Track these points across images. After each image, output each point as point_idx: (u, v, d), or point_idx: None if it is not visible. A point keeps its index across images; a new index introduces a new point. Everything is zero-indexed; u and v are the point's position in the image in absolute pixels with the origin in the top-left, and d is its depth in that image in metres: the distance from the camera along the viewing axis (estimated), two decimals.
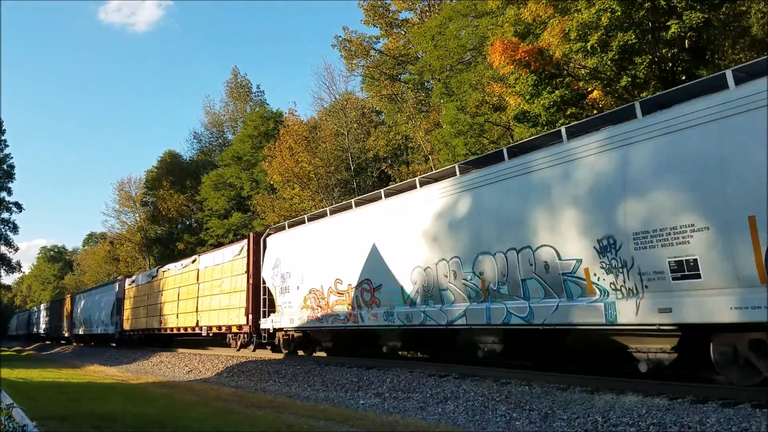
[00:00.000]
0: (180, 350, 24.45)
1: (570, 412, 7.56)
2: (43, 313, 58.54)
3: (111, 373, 20.41)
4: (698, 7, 12.02)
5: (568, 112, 14.04)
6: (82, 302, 41.60)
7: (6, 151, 41.85)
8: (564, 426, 7.25)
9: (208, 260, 22.15)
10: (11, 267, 46.24)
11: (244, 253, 18.78)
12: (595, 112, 14.31)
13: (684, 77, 13.40)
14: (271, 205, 30.70)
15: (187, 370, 18.69)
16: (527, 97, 14.45)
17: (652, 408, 7.10)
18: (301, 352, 17.32)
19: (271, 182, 31.04)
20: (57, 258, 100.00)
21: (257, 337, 18.24)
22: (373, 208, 13.59)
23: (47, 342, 55.11)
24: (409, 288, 11.89)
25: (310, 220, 15.99)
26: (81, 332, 41.46)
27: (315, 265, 15.02)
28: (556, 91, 13.91)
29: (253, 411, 9.57)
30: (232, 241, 27.21)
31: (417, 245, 11.74)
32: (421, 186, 12.18)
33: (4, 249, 44.17)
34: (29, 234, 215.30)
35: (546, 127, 14.45)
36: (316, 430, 7.72)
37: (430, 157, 25.55)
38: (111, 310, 33.64)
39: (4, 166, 41.75)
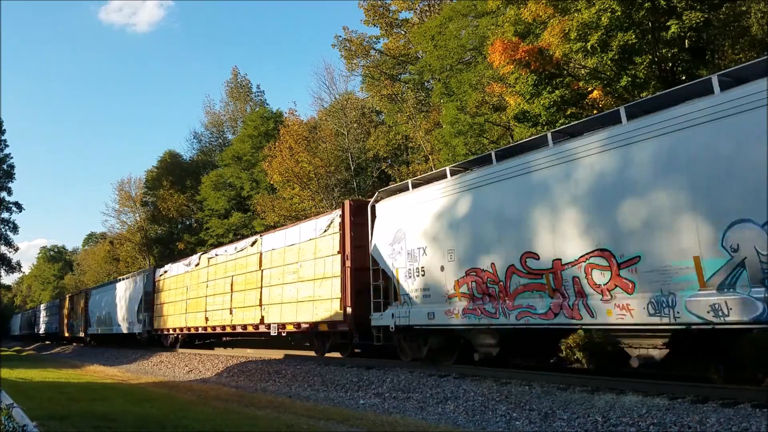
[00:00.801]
0: (180, 350, 24.38)
1: (570, 412, 7.56)
2: (43, 313, 56.56)
3: (111, 373, 20.41)
4: (698, 7, 12.03)
5: (568, 112, 14.04)
6: (98, 298, 37.12)
7: (6, 151, 42.09)
8: (564, 426, 7.25)
9: (276, 241, 17.68)
10: (11, 267, 46.39)
11: (336, 227, 14.68)
12: (595, 112, 14.31)
13: (684, 77, 13.41)
14: (271, 205, 30.71)
15: (187, 370, 18.69)
16: (527, 96, 14.46)
17: (652, 408, 7.10)
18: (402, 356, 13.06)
19: (271, 182, 31.07)
20: (57, 258, 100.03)
21: (360, 336, 14.10)
22: (608, 135, 8.72)
23: (47, 342, 55.02)
24: (720, 260, 7.24)
25: (454, 173, 11.62)
26: (75, 332, 38.86)
27: (477, 236, 10.64)
28: (556, 91, 13.92)
29: (253, 411, 9.57)
30: (303, 217, 23.75)
31: (742, 181, 7.07)
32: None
33: (4, 249, 44.37)
34: (29, 234, 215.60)
35: (546, 127, 14.45)
36: (316, 430, 7.72)
37: (430, 157, 25.55)
38: (138, 306, 28.79)
39: (4, 166, 41.88)
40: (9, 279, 70.02)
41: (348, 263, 14.08)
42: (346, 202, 14.79)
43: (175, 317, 24.90)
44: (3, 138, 41.48)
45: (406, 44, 28.81)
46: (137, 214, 52.76)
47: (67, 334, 44.30)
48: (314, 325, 15.27)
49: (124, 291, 31.92)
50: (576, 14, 13.23)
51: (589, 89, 14.38)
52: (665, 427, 6.56)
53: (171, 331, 25.57)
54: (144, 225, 51.55)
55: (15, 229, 43.58)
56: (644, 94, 13.82)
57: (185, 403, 10.82)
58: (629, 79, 13.17)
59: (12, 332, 78.86)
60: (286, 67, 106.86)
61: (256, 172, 36.11)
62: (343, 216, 14.54)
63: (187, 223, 50.21)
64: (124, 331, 30.98)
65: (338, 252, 14.46)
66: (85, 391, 13.71)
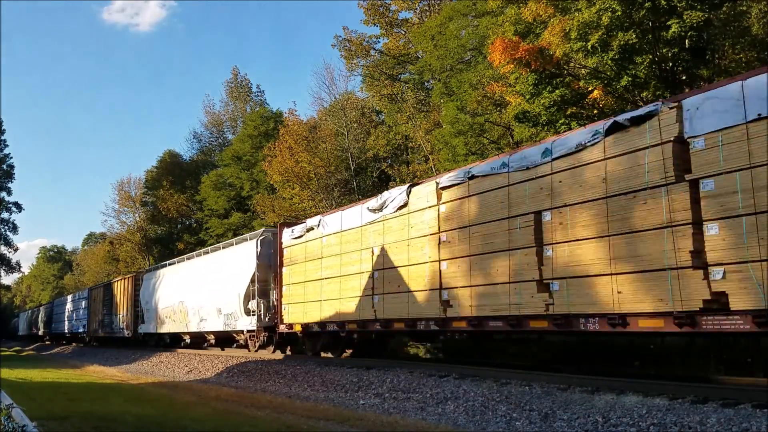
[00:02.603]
0: (179, 350, 24.33)
1: (570, 413, 7.55)
2: (66, 308, 47.97)
3: (111, 374, 20.40)
4: (699, 6, 12.02)
5: (569, 112, 14.04)
6: (155, 284, 27.41)
7: (6, 151, 42.09)
8: (564, 426, 7.23)
9: (714, 116, 7.07)
10: (11, 267, 46.45)
11: None
12: (595, 111, 14.31)
13: (684, 77, 13.40)
14: (271, 205, 30.70)
15: (187, 370, 18.67)
16: (527, 96, 14.45)
17: (652, 408, 7.08)
18: None
19: (271, 182, 31.05)
20: (56, 258, 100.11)
21: None
22: None
23: (47, 342, 54.81)
24: None
25: None
26: (115, 332, 31.65)
27: None
28: (557, 91, 13.90)
29: (253, 411, 9.56)
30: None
31: None
32: None
33: (3, 249, 44.42)
34: (29, 234, 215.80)
35: (546, 127, 14.43)
36: (316, 430, 7.71)
37: (430, 157, 25.53)
38: (245, 289, 18.63)
39: (4, 166, 41.91)
40: (8, 279, 69.99)
41: None
42: None
43: (340, 303, 14.29)
44: (3, 138, 41.55)
45: (406, 44, 28.79)
46: (137, 214, 52.83)
47: (102, 333, 35.56)
48: None
49: (211, 270, 21.81)
50: (576, 14, 13.23)
51: (590, 89, 14.38)
52: (665, 427, 6.54)
53: (327, 327, 14.97)
54: (144, 225, 51.55)
55: (15, 229, 43.72)
56: (644, 94, 13.83)
57: (185, 404, 10.81)
58: (630, 78, 13.16)
59: (19, 332, 76.14)
60: (286, 67, 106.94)
61: (256, 172, 36.10)
62: None
63: (187, 223, 50.22)
64: (217, 328, 21.03)
65: None
66: (85, 391, 13.72)
